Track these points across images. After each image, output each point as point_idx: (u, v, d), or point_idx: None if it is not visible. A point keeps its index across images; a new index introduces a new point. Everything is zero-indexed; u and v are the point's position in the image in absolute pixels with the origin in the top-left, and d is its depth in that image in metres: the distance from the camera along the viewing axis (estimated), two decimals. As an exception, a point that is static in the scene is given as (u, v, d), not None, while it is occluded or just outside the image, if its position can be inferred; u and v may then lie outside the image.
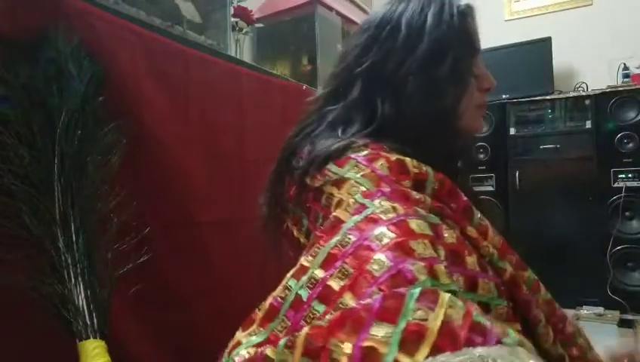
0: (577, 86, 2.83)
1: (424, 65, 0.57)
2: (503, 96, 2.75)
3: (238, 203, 1.36)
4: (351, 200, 0.47)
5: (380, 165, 0.50)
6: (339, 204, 0.49)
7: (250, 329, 0.44)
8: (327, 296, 0.39)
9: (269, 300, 0.45)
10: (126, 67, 1.04)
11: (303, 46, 2.06)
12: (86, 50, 0.91)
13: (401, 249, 0.38)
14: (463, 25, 0.60)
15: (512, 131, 2.72)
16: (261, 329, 0.43)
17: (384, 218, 0.42)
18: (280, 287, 0.45)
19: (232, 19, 1.65)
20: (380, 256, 0.38)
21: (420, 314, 0.32)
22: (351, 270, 0.39)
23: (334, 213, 0.47)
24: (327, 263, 0.41)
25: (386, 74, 0.58)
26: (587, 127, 2.53)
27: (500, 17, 3.27)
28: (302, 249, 0.52)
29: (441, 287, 0.36)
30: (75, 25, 0.92)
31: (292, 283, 0.44)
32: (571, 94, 2.65)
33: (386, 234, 0.40)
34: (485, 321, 0.32)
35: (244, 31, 1.79)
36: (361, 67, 0.60)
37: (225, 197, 1.30)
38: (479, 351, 0.29)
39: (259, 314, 0.45)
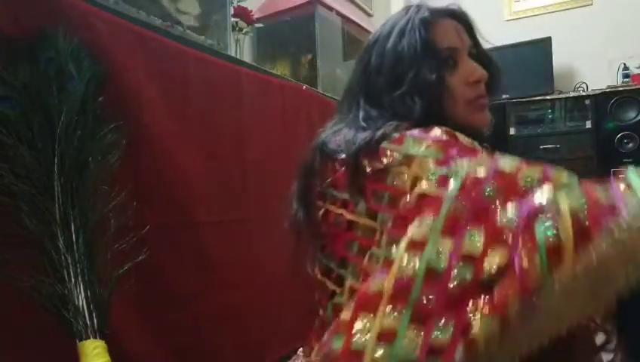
0: (577, 86, 2.83)
1: (390, 85, 0.62)
2: (503, 96, 2.74)
3: (238, 203, 1.36)
4: (428, 174, 0.48)
5: (436, 132, 0.53)
6: (415, 180, 0.50)
7: (378, 312, 0.43)
8: (470, 256, 0.40)
9: (391, 281, 0.43)
10: (126, 67, 1.04)
11: (303, 46, 2.06)
12: (86, 50, 0.91)
13: (513, 192, 0.42)
14: (427, 33, 0.64)
15: (512, 131, 2.72)
16: (398, 306, 0.42)
17: (480, 175, 0.45)
18: (395, 267, 0.43)
19: (232, 19, 1.65)
20: (506, 211, 0.41)
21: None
22: (481, 230, 0.41)
23: (416, 191, 0.48)
24: (448, 230, 0.42)
25: (372, 95, 0.64)
26: (587, 127, 2.53)
27: (500, 17, 3.27)
28: (354, 229, 0.54)
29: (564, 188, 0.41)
30: (75, 25, 0.92)
31: (409, 257, 0.43)
32: (571, 94, 2.65)
33: (491, 188, 0.43)
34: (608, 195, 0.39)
35: (244, 31, 1.79)
36: (358, 88, 0.67)
37: (225, 197, 1.30)
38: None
39: (384, 297, 0.43)
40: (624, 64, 2.70)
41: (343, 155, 0.59)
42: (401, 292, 0.42)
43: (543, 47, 2.76)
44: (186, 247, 1.17)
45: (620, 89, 2.51)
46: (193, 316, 1.17)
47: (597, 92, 2.53)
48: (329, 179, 0.61)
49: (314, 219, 0.63)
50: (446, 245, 0.42)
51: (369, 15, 3.22)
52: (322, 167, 0.63)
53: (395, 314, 0.41)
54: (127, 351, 0.98)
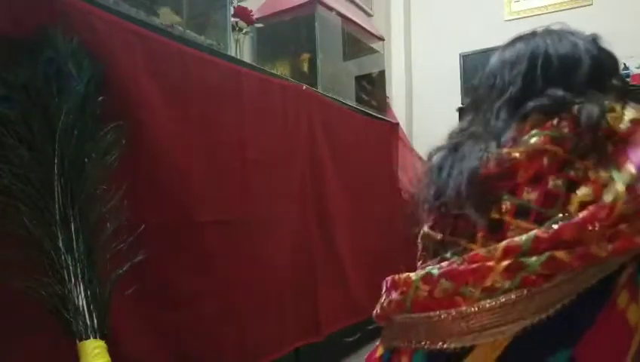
0: (577, 86, 2.82)
1: (588, 84, 0.60)
2: (503, 96, 2.74)
3: (238, 203, 1.36)
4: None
5: None
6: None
7: (490, 279, 0.49)
8: None
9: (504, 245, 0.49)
10: (126, 67, 1.04)
11: (303, 46, 2.06)
12: (86, 50, 0.91)
13: None
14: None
15: (512, 131, 2.72)
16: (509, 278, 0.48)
17: None
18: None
19: (232, 19, 1.64)
20: None
21: None
22: None
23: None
24: None
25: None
26: (587, 126, 2.53)
27: (500, 17, 3.27)
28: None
29: None
30: (75, 25, 0.92)
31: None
32: (571, 94, 2.64)
33: None
34: None
35: (244, 31, 1.79)
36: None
37: (225, 197, 1.30)
38: None
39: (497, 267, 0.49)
40: (624, 64, 2.70)
41: None
42: None
43: (543, 47, 2.76)
44: (186, 247, 1.17)
45: (620, 89, 2.51)
46: (193, 316, 1.17)
47: (597, 92, 2.53)
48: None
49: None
50: None
51: (369, 15, 3.23)
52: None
53: None
54: (127, 351, 0.98)
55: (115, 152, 0.92)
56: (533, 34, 0.67)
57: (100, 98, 0.91)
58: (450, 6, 3.45)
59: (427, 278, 0.52)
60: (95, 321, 0.79)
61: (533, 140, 0.54)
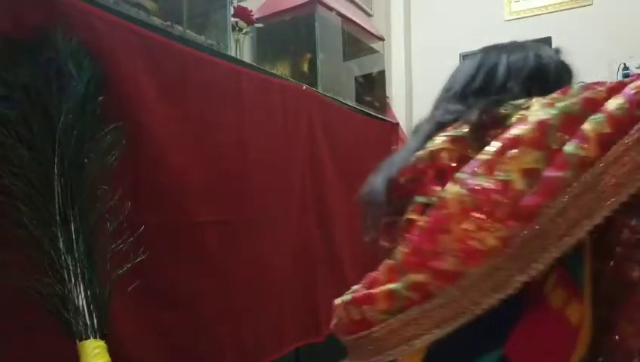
0: (577, 86, 2.82)
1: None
2: (503, 96, 2.73)
3: (238, 203, 1.36)
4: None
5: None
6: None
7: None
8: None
9: (527, 127, 0.49)
10: (126, 67, 1.04)
11: (303, 46, 2.06)
12: (86, 50, 0.91)
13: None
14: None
15: (513, 131, 2.72)
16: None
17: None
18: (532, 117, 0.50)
19: (232, 19, 1.64)
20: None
21: None
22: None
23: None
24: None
25: None
26: (587, 126, 2.53)
27: (500, 17, 3.26)
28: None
29: None
30: (75, 25, 0.92)
31: (545, 109, 0.49)
32: (571, 94, 2.64)
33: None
34: None
35: (244, 31, 1.79)
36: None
37: (225, 197, 1.30)
38: None
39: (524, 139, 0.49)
40: (624, 64, 2.70)
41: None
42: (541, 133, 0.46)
43: (543, 47, 2.76)
44: (186, 247, 1.17)
45: (620, 89, 2.51)
46: (193, 316, 1.17)
47: (597, 92, 2.53)
48: None
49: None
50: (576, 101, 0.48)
51: (369, 15, 3.22)
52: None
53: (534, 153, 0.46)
54: (127, 351, 0.98)
55: (115, 152, 0.92)
56: (497, 46, 0.71)
57: (100, 98, 0.91)
58: (450, 6, 3.45)
59: (343, 305, 0.56)
60: (95, 321, 0.79)
61: (434, 142, 0.58)
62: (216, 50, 1.40)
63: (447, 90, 0.70)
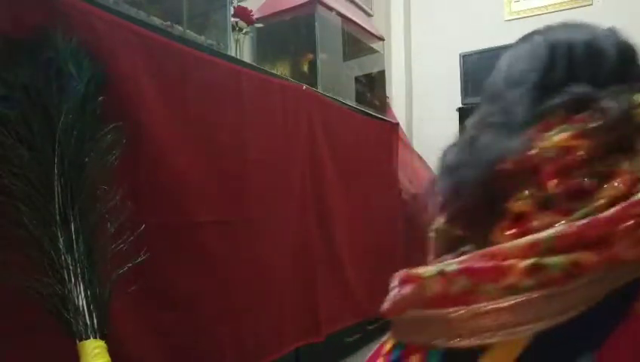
0: (577, 86, 2.83)
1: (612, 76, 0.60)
2: (503, 96, 2.73)
3: (238, 203, 1.36)
4: None
5: None
6: None
7: None
8: None
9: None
10: (126, 67, 1.04)
11: (303, 46, 2.06)
12: (86, 50, 0.91)
13: None
14: None
15: (513, 131, 2.72)
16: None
17: None
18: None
19: (232, 19, 1.65)
20: None
21: None
22: None
23: None
24: None
25: None
26: (587, 126, 2.53)
27: (500, 17, 3.27)
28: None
29: None
30: (75, 25, 0.92)
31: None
32: (571, 94, 2.65)
33: None
34: None
35: (244, 31, 1.79)
36: None
37: (225, 197, 1.30)
38: None
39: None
40: (624, 64, 2.70)
41: None
42: None
43: (543, 47, 2.76)
44: (186, 247, 1.17)
45: (620, 89, 2.51)
46: (193, 316, 1.17)
47: (597, 92, 2.53)
48: None
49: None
50: None
51: (369, 15, 3.23)
52: None
53: None
54: (127, 351, 0.98)
55: (115, 152, 0.92)
56: (549, 27, 0.64)
57: (100, 98, 0.91)
58: (450, 6, 3.45)
59: (443, 274, 0.49)
60: (95, 321, 0.79)
61: (559, 136, 0.52)
62: (216, 50, 1.40)
63: (523, 77, 0.61)
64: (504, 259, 0.47)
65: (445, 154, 0.63)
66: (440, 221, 0.60)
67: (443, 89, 3.27)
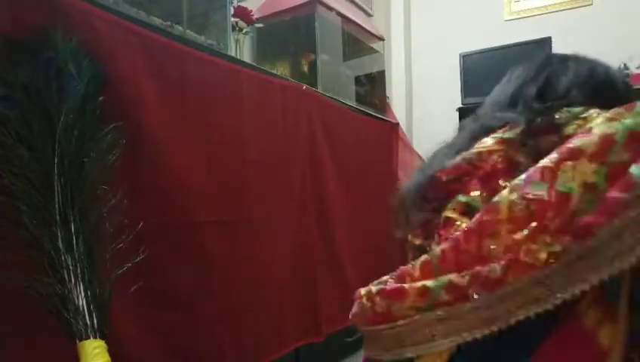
0: (577, 86, 2.82)
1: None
2: (503, 96, 2.73)
3: (238, 203, 1.36)
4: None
5: None
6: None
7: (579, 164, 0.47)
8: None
9: (594, 140, 0.46)
10: (125, 67, 1.04)
11: (303, 46, 2.06)
12: (86, 50, 0.92)
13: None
14: None
15: (512, 131, 2.72)
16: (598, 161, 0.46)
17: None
18: (597, 129, 0.47)
19: (232, 19, 1.65)
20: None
21: None
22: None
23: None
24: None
25: None
26: (587, 126, 2.53)
27: (500, 17, 3.27)
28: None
29: None
30: (75, 25, 0.92)
31: (610, 124, 0.46)
32: (571, 94, 2.64)
33: None
34: None
35: (244, 31, 1.79)
36: None
37: (224, 197, 1.30)
38: None
39: (586, 153, 0.46)
40: (624, 64, 2.70)
41: None
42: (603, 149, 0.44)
43: (542, 47, 2.76)
44: (186, 247, 1.17)
45: (620, 89, 2.51)
46: (193, 316, 1.17)
47: (597, 92, 2.53)
48: None
49: None
50: None
51: (369, 15, 3.23)
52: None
53: (595, 167, 0.44)
54: (127, 351, 0.98)
55: (115, 152, 0.92)
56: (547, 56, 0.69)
57: (100, 98, 0.91)
58: (450, 6, 3.45)
59: (370, 295, 0.55)
60: (95, 321, 0.79)
61: (484, 143, 0.56)
62: (216, 50, 1.40)
63: (498, 94, 0.67)
64: (412, 281, 0.51)
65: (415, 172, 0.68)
66: (407, 232, 0.64)
67: (443, 89, 3.27)
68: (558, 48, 2.72)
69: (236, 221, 1.35)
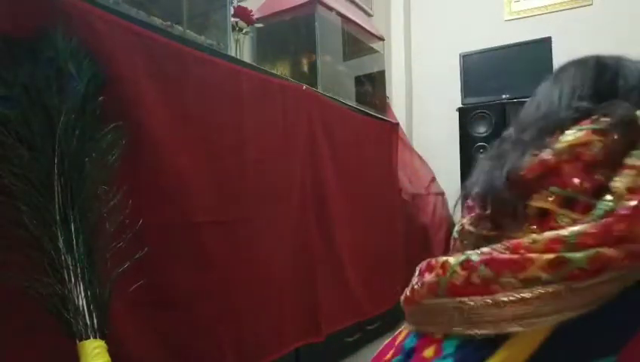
0: (577, 86, 2.82)
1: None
2: (503, 96, 2.74)
3: (238, 203, 1.36)
4: None
5: None
6: None
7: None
8: None
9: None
10: (126, 67, 1.04)
11: (303, 46, 2.06)
12: (86, 50, 0.92)
13: None
14: None
15: (512, 131, 2.72)
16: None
17: None
18: None
19: (232, 19, 1.65)
20: None
21: None
22: None
23: None
24: None
25: None
26: (587, 127, 2.53)
27: (500, 17, 3.27)
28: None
29: None
30: (75, 25, 0.92)
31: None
32: (571, 94, 2.64)
33: None
34: None
35: (244, 31, 1.79)
36: None
37: (224, 197, 1.30)
38: None
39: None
40: (624, 64, 2.70)
41: None
42: None
43: (542, 47, 2.76)
44: (186, 247, 1.17)
45: (620, 89, 2.51)
46: (193, 316, 1.17)
47: (597, 92, 2.53)
48: None
49: None
50: None
51: (369, 15, 3.23)
52: None
53: None
54: (127, 351, 0.98)
55: (116, 152, 0.92)
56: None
57: (100, 98, 0.91)
58: (450, 6, 3.46)
59: (466, 263, 0.51)
60: (95, 321, 0.79)
61: (570, 136, 0.54)
62: (216, 50, 1.40)
63: (548, 94, 0.66)
64: (526, 253, 0.48)
65: (479, 161, 0.66)
66: (465, 222, 0.62)
67: (443, 89, 3.27)
68: (558, 48, 2.72)
69: (236, 221, 1.35)
